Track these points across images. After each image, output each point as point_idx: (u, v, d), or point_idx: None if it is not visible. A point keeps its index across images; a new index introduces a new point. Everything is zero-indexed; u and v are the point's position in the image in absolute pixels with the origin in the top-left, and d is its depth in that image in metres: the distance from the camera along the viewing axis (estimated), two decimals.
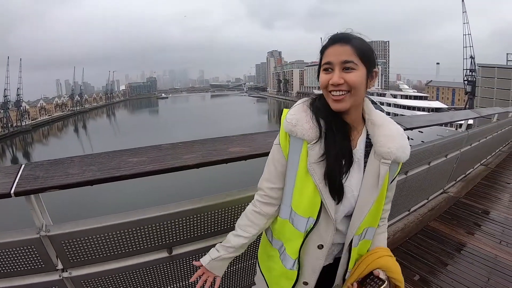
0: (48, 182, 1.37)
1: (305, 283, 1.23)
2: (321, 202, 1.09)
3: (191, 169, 1.56)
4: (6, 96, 73.41)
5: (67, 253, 1.52)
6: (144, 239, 1.59)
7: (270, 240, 1.31)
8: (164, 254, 1.68)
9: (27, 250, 1.47)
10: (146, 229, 1.57)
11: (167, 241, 1.65)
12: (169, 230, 1.62)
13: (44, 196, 1.49)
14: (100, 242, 1.52)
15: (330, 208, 1.09)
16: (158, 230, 1.59)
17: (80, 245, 1.51)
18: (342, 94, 1.03)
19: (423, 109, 38.80)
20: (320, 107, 1.10)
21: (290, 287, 1.24)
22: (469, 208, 3.73)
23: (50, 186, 1.35)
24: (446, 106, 43.94)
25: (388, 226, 3.18)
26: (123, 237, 1.55)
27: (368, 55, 1.05)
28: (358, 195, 1.11)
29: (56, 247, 1.50)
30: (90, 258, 1.56)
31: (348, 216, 1.16)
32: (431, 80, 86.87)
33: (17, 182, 1.38)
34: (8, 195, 1.34)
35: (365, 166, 1.12)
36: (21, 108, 77.73)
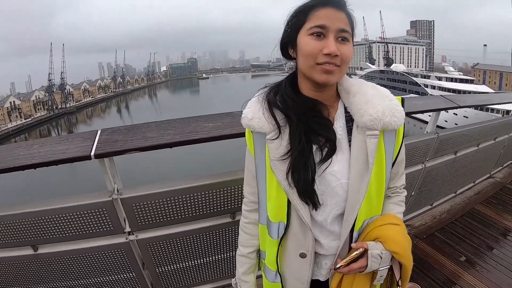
0: (129, 145, 1.42)
1: None
2: (289, 203, 0.93)
3: None
4: (50, 80, 77.94)
5: (137, 216, 1.57)
6: (209, 203, 1.63)
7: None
8: (227, 219, 1.73)
9: (98, 213, 1.53)
10: (211, 194, 1.60)
11: (231, 207, 1.68)
12: (232, 196, 1.64)
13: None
14: (168, 205, 1.57)
15: (303, 213, 0.92)
16: (222, 195, 1.62)
17: (149, 209, 1.56)
18: (336, 66, 0.85)
19: (469, 93, 36.01)
20: (277, 96, 0.94)
21: None
22: None
23: (131, 148, 1.39)
24: (493, 91, 40.24)
25: (435, 207, 3.14)
26: (191, 201, 1.59)
27: (354, 28, 0.89)
28: (348, 182, 0.90)
29: (127, 210, 1.56)
30: (157, 221, 1.61)
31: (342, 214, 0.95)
32: (478, 63, 79.13)
33: (96, 146, 1.43)
34: (88, 157, 1.40)
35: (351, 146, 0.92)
36: (65, 91, 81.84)
